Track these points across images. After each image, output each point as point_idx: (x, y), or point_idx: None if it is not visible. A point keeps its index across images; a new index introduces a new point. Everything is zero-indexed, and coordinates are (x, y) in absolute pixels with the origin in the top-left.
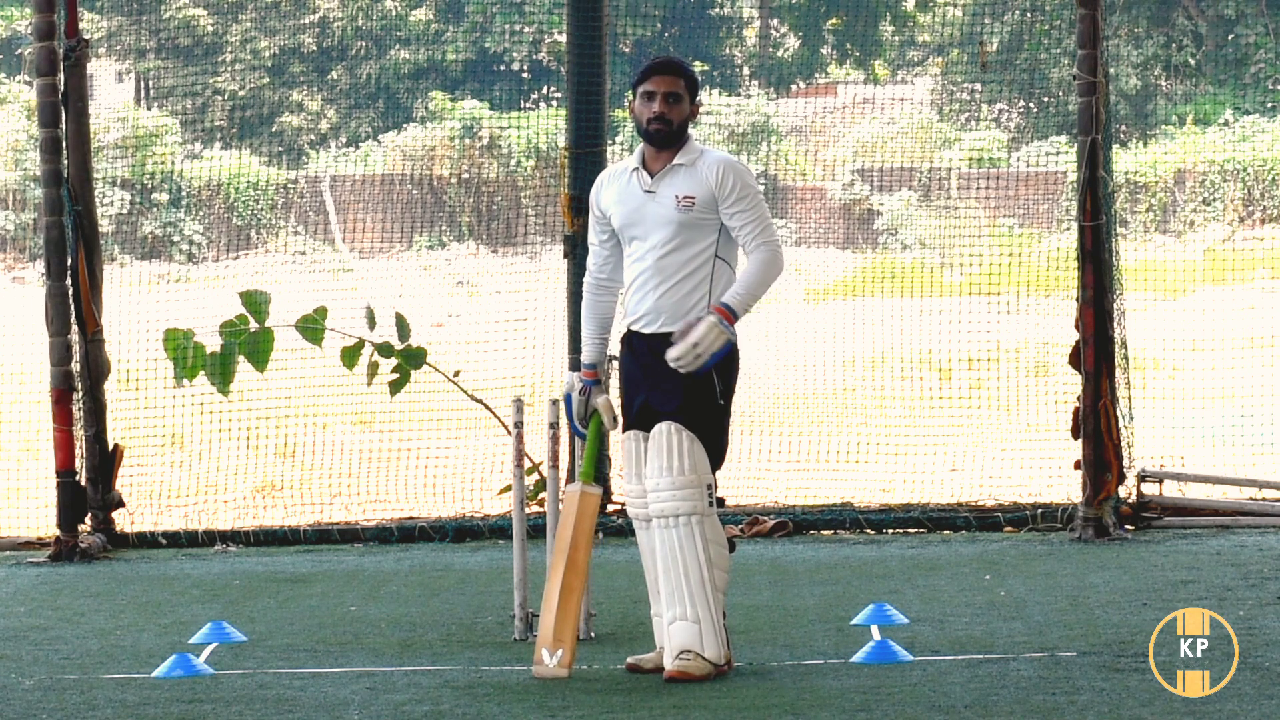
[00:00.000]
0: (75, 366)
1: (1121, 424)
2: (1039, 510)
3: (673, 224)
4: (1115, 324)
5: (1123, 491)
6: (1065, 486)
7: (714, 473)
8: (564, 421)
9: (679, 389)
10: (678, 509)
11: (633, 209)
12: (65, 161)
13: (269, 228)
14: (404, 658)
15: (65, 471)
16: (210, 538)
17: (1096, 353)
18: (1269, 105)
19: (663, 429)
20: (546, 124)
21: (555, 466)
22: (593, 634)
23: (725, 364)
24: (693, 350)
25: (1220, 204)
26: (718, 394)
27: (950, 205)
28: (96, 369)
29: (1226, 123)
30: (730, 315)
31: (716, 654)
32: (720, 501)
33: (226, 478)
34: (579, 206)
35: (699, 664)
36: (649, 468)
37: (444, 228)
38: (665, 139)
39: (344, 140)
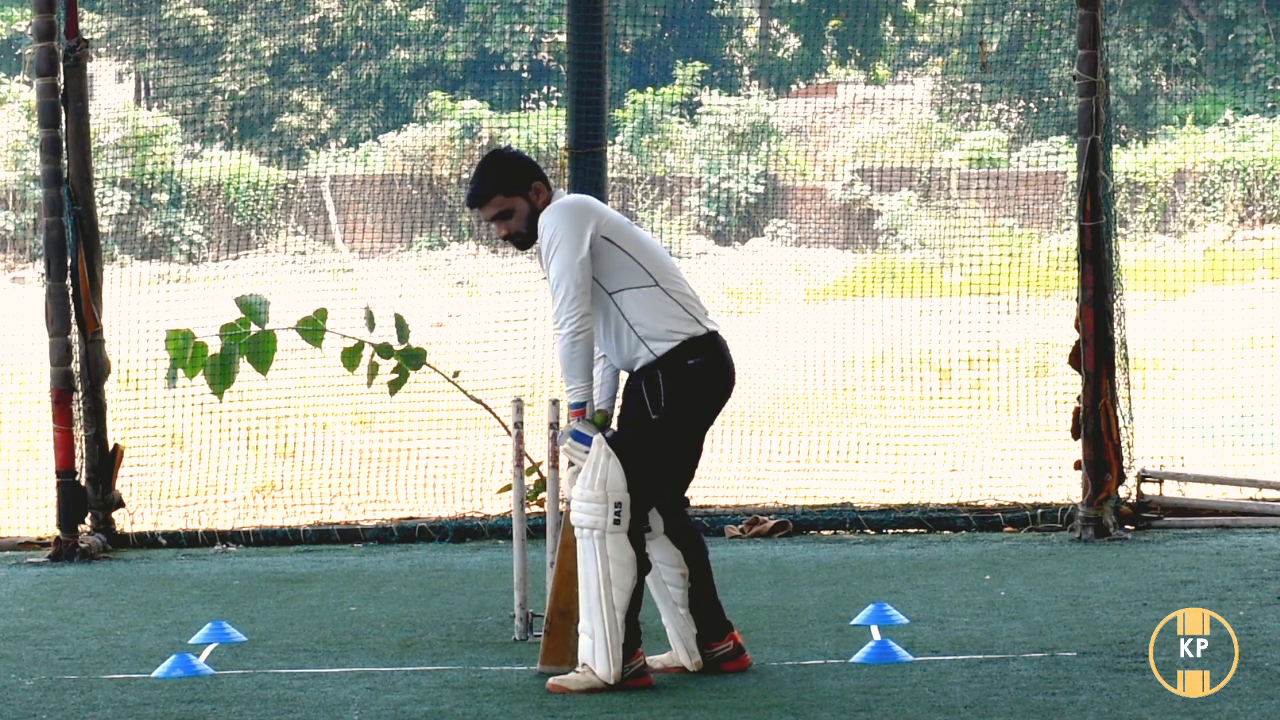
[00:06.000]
0: (75, 366)
1: (1121, 424)
2: (1039, 510)
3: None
4: (1115, 324)
5: (1123, 491)
6: (1065, 486)
7: (634, 490)
8: (564, 422)
9: (625, 404)
10: (580, 521)
11: None
12: (65, 161)
13: (269, 228)
14: (404, 658)
15: (65, 471)
16: (210, 538)
17: (1096, 353)
18: (1269, 105)
19: (594, 441)
20: (546, 124)
21: (555, 466)
22: None
23: (673, 383)
24: (572, 464)
25: (1220, 204)
26: (649, 410)
27: (950, 205)
28: (96, 369)
29: (1226, 123)
30: (575, 410)
31: (606, 671)
32: (643, 520)
33: (226, 478)
34: None
35: (580, 678)
36: None
37: (444, 228)
38: (522, 246)
39: (344, 140)
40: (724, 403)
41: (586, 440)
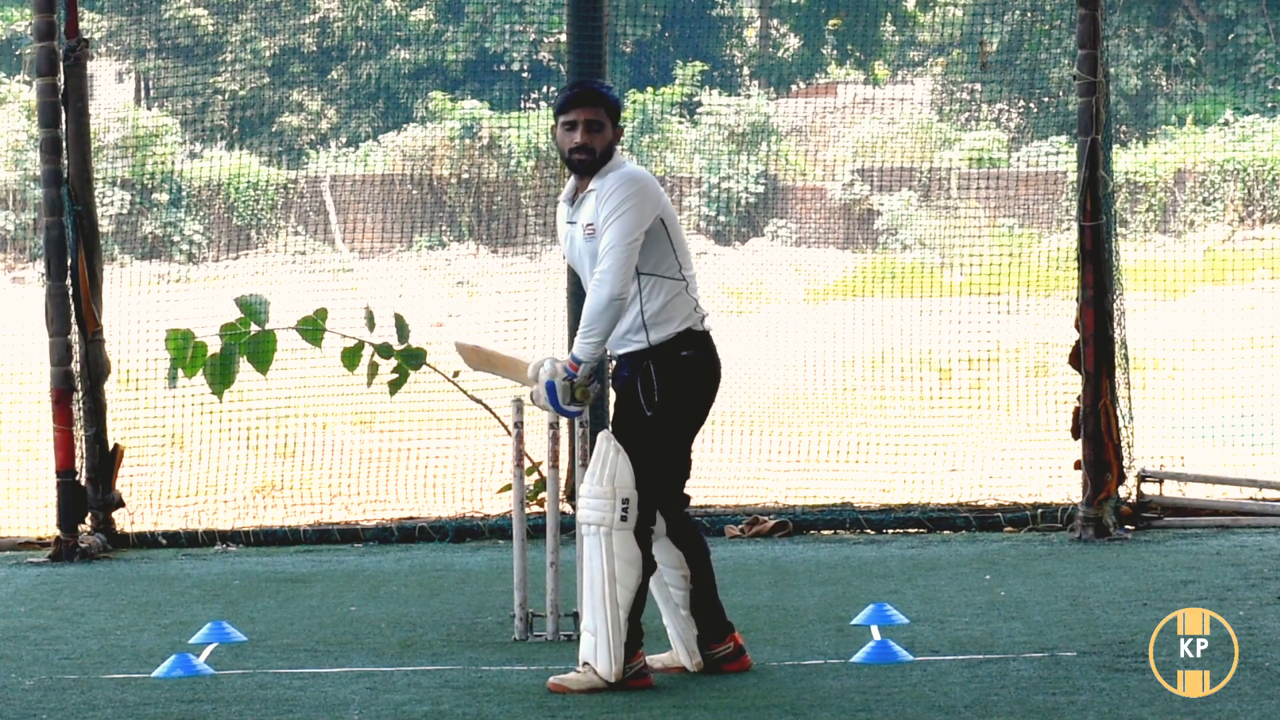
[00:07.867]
0: (75, 366)
1: (1121, 424)
2: (1039, 510)
3: (589, 255)
4: (1115, 324)
5: (1123, 491)
6: (1065, 486)
7: (641, 487)
8: (564, 421)
9: (619, 401)
10: (587, 517)
11: (565, 242)
12: (65, 161)
13: (269, 228)
14: (404, 658)
15: (65, 471)
16: (210, 538)
17: (1096, 353)
18: (1269, 105)
19: (600, 436)
20: (546, 124)
21: (555, 466)
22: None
23: (665, 375)
24: (532, 398)
25: (1220, 204)
26: (643, 406)
27: (950, 205)
28: (96, 369)
29: (1226, 123)
30: (573, 362)
31: (608, 670)
32: (650, 518)
33: (226, 478)
34: None
35: (580, 677)
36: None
37: (444, 228)
38: (587, 168)
39: (344, 140)
40: (712, 399)
41: (553, 400)
